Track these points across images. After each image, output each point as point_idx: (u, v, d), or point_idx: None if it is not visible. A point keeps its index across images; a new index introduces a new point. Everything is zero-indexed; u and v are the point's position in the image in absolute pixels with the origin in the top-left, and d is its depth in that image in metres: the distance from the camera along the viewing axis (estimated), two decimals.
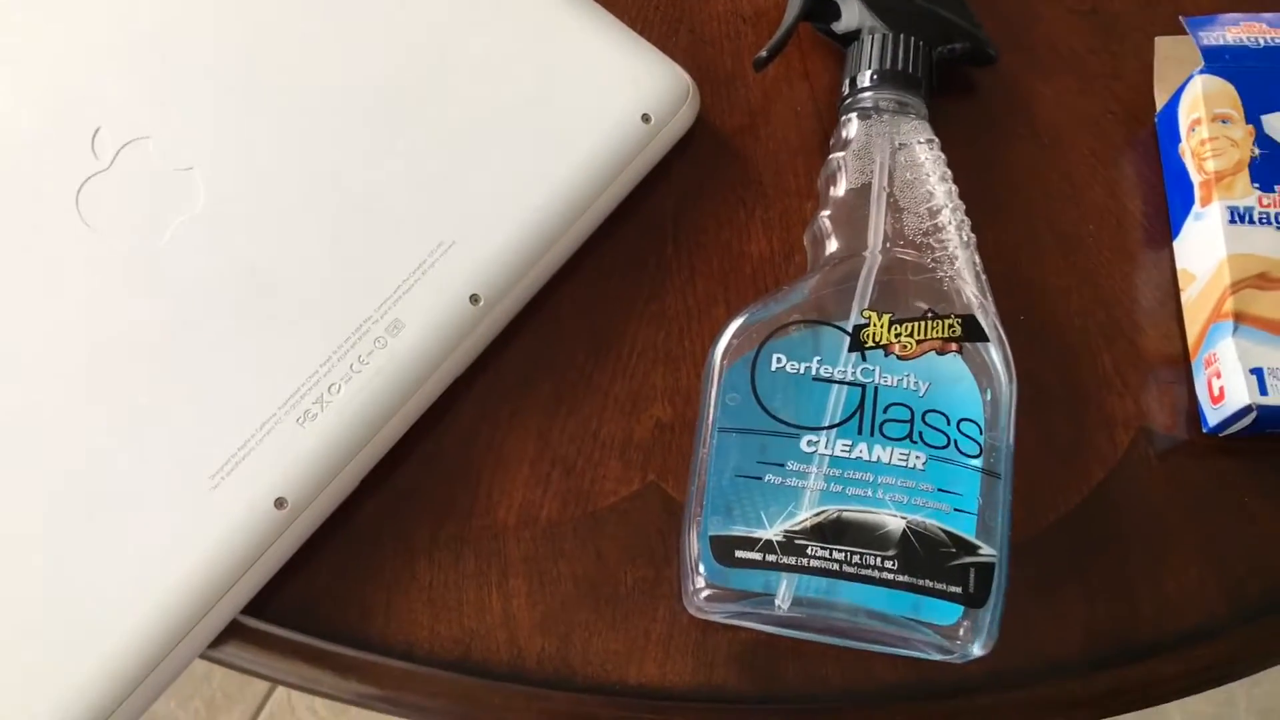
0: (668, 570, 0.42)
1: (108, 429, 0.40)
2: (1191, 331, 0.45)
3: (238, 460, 0.40)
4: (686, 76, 0.47)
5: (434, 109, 0.45)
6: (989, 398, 0.40)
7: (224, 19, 0.46)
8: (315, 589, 0.42)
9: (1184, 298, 0.46)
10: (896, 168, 0.44)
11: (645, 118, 0.46)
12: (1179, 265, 0.46)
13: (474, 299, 0.43)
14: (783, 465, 0.39)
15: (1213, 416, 0.43)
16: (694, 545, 0.38)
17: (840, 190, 0.44)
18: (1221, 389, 0.42)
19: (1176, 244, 0.47)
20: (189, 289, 0.42)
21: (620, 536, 0.43)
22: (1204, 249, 0.44)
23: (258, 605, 0.41)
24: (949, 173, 0.44)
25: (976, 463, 0.39)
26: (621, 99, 0.46)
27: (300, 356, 0.41)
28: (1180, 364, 0.45)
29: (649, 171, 0.47)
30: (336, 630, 0.41)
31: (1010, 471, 0.39)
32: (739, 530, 0.38)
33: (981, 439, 0.39)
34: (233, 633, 0.41)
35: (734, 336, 0.41)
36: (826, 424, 0.39)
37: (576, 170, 0.45)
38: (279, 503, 0.40)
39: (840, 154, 0.44)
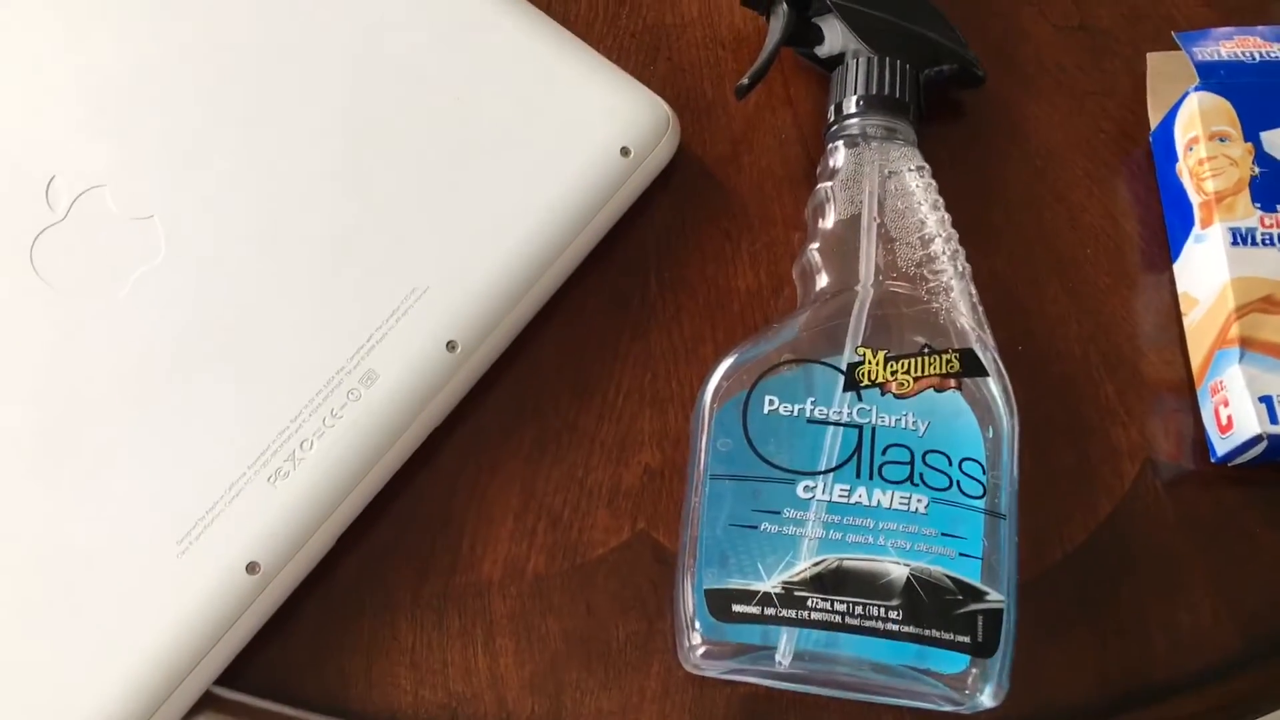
0: (661, 623, 0.41)
1: (67, 494, 0.38)
2: (1196, 358, 0.43)
3: (206, 524, 0.38)
4: (666, 106, 0.45)
5: (404, 148, 0.43)
6: (990, 434, 0.38)
7: (182, 58, 0.44)
8: (291, 655, 0.40)
9: (1186, 322, 0.44)
10: (887, 196, 0.42)
11: (624, 151, 0.44)
12: (1180, 289, 0.45)
13: (451, 346, 0.41)
14: (779, 513, 0.37)
15: (1221, 446, 0.42)
16: (689, 600, 0.36)
17: (829, 222, 0.42)
18: (1229, 418, 0.41)
19: (1177, 267, 0.45)
20: (150, 344, 0.40)
21: (611, 589, 0.41)
22: (1206, 272, 0.43)
23: (231, 675, 0.39)
24: (940, 200, 0.43)
25: (980, 504, 0.37)
26: (599, 132, 0.44)
27: (270, 412, 0.40)
28: (1185, 392, 0.44)
29: (629, 206, 0.45)
30: (315, 699, 0.39)
31: (1015, 511, 0.38)
32: (735, 583, 0.36)
33: (985, 478, 0.37)
34: (206, 704, 0.39)
35: (723, 378, 0.39)
36: (823, 468, 0.37)
37: (554, 208, 0.43)
38: (251, 567, 0.38)
39: (828, 184, 0.43)
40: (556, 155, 0.44)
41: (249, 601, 0.38)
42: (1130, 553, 0.42)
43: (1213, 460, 0.42)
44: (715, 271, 0.45)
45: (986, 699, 0.35)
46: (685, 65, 0.49)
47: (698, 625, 0.36)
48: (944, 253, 0.41)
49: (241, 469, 0.39)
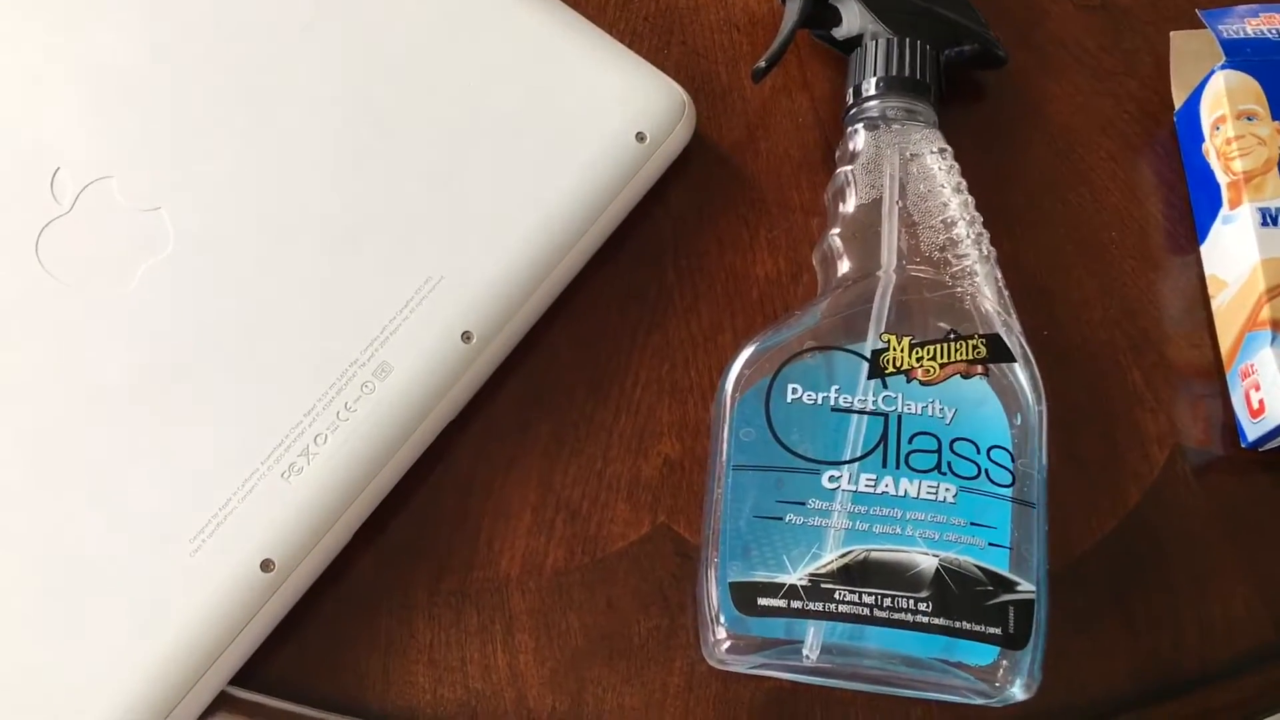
0: (683, 617, 0.40)
1: (77, 493, 0.37)
2: (1225, 341, 0.43)
3: (219, 521, 0.37)
4: (681, 91, 0.45)
5: (416, 136, 0.43)
6: (1018, 422, 0.37)
7: (190, 47, 0.44)
8: (307, 654, 0.39)
9: (1214, 305, 0.43)
10: (908, 180, 0.41)
11: (640, 136, 0.43)
12: (1207, 271, 0.44)
13: (466, 337, 0.40)
14: (803, 504, 0.36)
15: (1252, 431, 0.41)
16: (713, 593, 0.36)
17: (850, 206, 0.41)
18: (1261, 402, 0.40)
19: (1204, 248, 0.44)
20: (159, 338, 0.40)
21: (631, 583, 0.40)
22: (1235, 253, 0.42)
23: (246, 674, 0.38)
24: (963, 183, 0.42)
25: (1009, 492, 0.36)
26: (614, 118, 0.43)
27: (282, 406, 0.39)
28: (1214, 376, 0.43)
29: (645, 193, 0.44)
30: (332, 698, 0.39)
31: (1044, 499, 0.37)
32: (760, 575, 0.35)
33: (1013, 467, 0.37)
34: (221, 704, 0.38)
35: (745, 367, 0.38)
36: (848, 458, 0.37)
37: (569, 196, 0.42)
38: (265, 565, 0.37)
39: (848, 168, 0.42)
40: (571, 142, 0.43)
41: (263, 600, 0.37)
42: (1160, 541, 0.41)
43: (1243, 445, 0.42)
44: (733, 259, 0.45)
45: (1018, 691, 0.35)
46: (700, 49, 0.48)
47: (722, 619, 0.35)
48: (968, 236, 0.40)
49: (254, 465, 0.38)
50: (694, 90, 0.46)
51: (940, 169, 0.41)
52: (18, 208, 0.41)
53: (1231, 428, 0.42)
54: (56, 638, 0.36)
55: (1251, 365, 0.40)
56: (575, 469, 0.42)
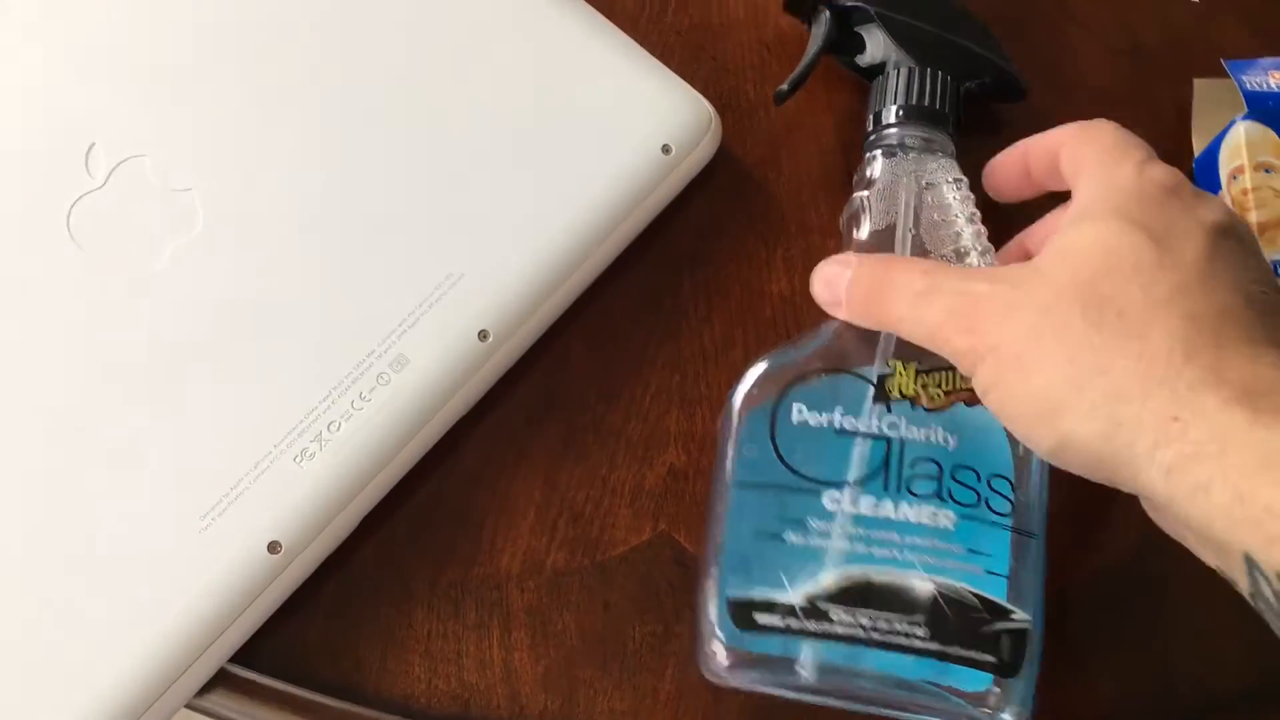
0: (678, 626, 0.40)
1: (92, 462, 0.38)
2: None
3: (230, 500, 0.38)
4: (709, 106, 0.45)
5: (447, 133, 0.43)
6: (1020, 451, 0.38)
7: (230, 37, 0.44)
8: (308, 638, 0.40)
9: None
10: (922, 208, 0.42)
11: (666, 149, 0.44)
12: None
13: (483, 335, 0.41)
14: (803, 523, 0.37)
15: None
16: (711, 608, 0.36)
17: (863, 232, 0.42)
18: None
19: None
20: (183, 316, 0.40)
21: (629, 589, 0.41)
22: None
23: (246, 653, 0.39)
24: (977, 214, 0.42)
25: (1008, 521, 0.37)
26: (642, 129, 0.44)
27: (299, 391, 0.39)
28: None
29: (667, 204, 0.45)
30: (328, 682, 0.39)
31: (1044, 530, 0.37)
32: (759, 593, 0.36)
33: (1013, 496, 0.37)
34: (219, 680, 0.39)
35: (754, 386, 0.39)
36: (850, 480, 0.37)
37: (593, 202, 0.43)
38: (272, 546, 0.38)
39: (864, 193, 0.42)
40: (598, 149, 0.44)
41: (269, 580, 0.38)
42: (1159, 578, 0.41)
43: None
44: (749, 274, 0.45)
45: (1008, 719, 0.35)
46: (729, 65, 0.49)
47: (720, 634, 0.36)
48: (979, 265, 0.41)
49: (268, 447, 0.39)
50: (721, 106, 0.46)
51: (955, 198, 0.42)
52: (52, 179, 0.41)
53: None
54: (65, 603, 0.37)
55: None
56: (581, 471, 0.42)
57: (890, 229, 0.41)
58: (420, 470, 0.41)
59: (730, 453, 0.38)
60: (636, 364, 0.44)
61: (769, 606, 0.36)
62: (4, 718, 0.35)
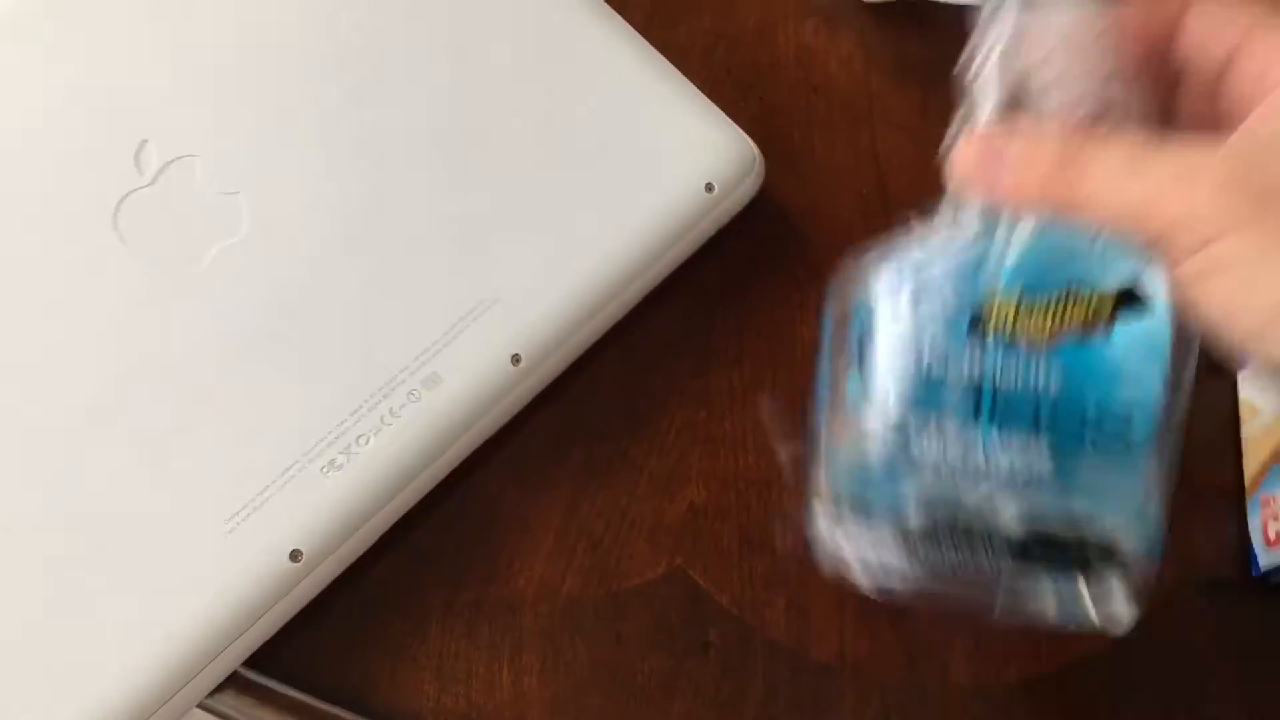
0: (688, 661, 0.41)
1: (123, 458, 0.39)
2: (1250, 467, 0.43)
3: (256, 505, 0.38)
4: (753, 146, 0.46)
5: (491, 157, 0.44)
6: (1151, 380, 0.35)
7: (287, 49, 0.45)
8: (321, 647, 0.40)
9: (1245, 430, 0.44)
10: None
11: (709, 187, 0.44)
12: (1242, 395, 0.45)
13: (515, 359, 0.41)
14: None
15: (1265, 559, 0.42)
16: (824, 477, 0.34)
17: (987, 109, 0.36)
18: (1278, 534, 0.41)
19: (1243, 374, 0.45)
20: (221, 319, 0.41)
21: (642, 621, 0.41)
22: (1272, 385, 0.43)
23: (260, 659, 0.39)
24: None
25: (1127, 455, 0.33)
26: (686, 165, 0.44)
27: (330, 402, 0.40)
28: (1234, 499, 0.44)
29: (705, 241, 0.45)
30: (338, 692, 0.40)
31: (1170, 448, 0.33)
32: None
33: (1141, 428, 0.33)
34: (230, 683, 0.39)
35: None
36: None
37: (633, 235, 0.43)
38: (294, 554, 0.38)
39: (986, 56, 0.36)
40: (641, 184, 0.44)
41: (288, 588, 0.38)
42: (1159, 656, 0.42)
43: (1254, 573, 0.42)
44: (782, 317, 0.46)
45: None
46: (776, 107, 0.49)
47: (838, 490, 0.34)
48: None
49: (296, 456, 0.39)
50: (765, 147, 0.47)
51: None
52: (103, 173, 0.42)
53: (1245, 553, 0.43)
54: (86, 597, 0.37)
55: (1273, 496, 0.41)
56: (602, 500, 0.43)
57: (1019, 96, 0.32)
58: (444, 488, 0.41)
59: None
60: (664, 398, 0.44)
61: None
62: (22, 706, 0.35)
